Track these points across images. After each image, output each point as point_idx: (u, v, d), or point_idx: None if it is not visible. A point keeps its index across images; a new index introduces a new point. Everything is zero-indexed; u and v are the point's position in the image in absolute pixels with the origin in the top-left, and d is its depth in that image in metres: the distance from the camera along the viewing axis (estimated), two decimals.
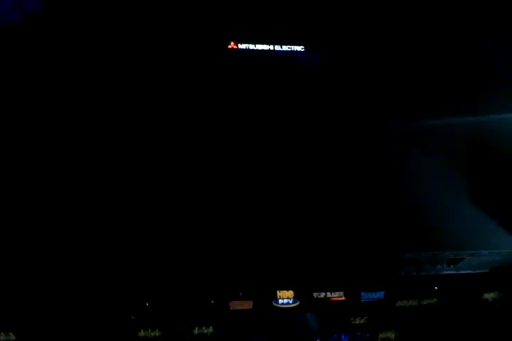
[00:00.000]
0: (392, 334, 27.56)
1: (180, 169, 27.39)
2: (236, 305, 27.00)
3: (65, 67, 26.85)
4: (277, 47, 28.49)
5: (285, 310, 27.31)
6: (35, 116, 26.50)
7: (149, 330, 26.40)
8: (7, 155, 25.93)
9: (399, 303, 28.10)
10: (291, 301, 27.48)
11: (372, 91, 29.55)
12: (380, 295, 28.19)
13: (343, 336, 27.56)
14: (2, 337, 24.95)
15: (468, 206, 29.13)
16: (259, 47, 28.26)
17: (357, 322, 27.96)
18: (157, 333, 26.45)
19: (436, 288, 28.41)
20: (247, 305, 27.08)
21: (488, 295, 28.04)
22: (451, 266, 28.63)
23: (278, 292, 27.42)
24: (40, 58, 26.64)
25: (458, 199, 29.12)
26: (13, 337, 24.94)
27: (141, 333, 26.32)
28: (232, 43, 28.15)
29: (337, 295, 27.91)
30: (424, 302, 28.20)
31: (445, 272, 28.68)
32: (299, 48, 28.68)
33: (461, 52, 30.20)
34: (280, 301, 27.39)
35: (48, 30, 26.64)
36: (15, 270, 24.94)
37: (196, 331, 26.66)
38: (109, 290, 25.79)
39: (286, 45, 28.46)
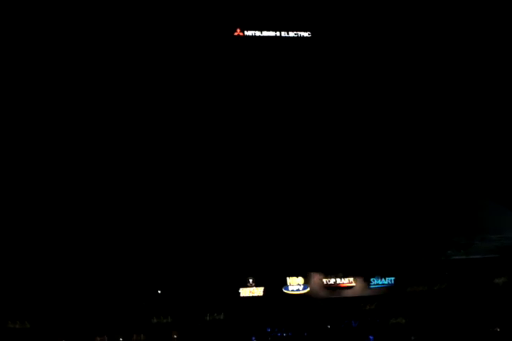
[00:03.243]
0: (402, 320, 27.58)
1: (191, 158, 27.58)
2: (247, 292, 27.22)
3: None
4: (284, 34, 28.23)
5: (295, 297, 27.53)
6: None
7: (161, 317, 26.72)
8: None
9: (409, 289, 28.07)
10: (301, 288, 27.61)
11: (377, 79, 29.31)
12: (390, 281, 28.21)
13: (353, 321, 27.67)
14: (17, 326, 25.39)
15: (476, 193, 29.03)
16: (265, 33, 27.97)
17: (367, 307, 28.02)
18: (169, 320, 26.81)
19: (446, 273, 28.32)
20: (258, 292, 27.31)
21: (499, 280, 27.89)
22: (462, 250, 28.53)
23: (288, 279, 27.58)
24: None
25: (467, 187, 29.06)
26: (27, 325, 25.45)
27: (154, 320, 26.69)
28: (238, 30, 27.93)
29: (347, 281, 27.96)
30: (435, 288, 28.14)
31: (455, 257, 28.57)
32: (305, 34, 28.37)
33: None
34: (290, 288, 27.54)
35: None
36: (32, 261, 25.39)
37: (208, 317, 26.96)
38: (122, 278, 26.11)
39: (292, 31, 28.16)
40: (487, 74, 29.31)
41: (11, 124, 26.52)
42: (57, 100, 27.07)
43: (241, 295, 27.14)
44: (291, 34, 28.30)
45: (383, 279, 28.18)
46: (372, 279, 28.15)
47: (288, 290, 27.52)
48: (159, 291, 26.91)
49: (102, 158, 27.33)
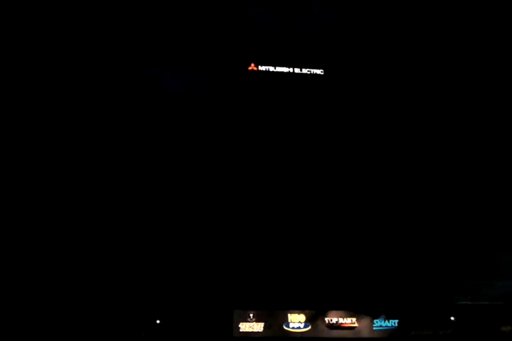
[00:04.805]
0: None
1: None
2: (246, 327, 26.77)
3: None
4: (297, 70, 28.98)
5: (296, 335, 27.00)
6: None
7: None
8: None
9: (413, 332, 27.42)
10: (302, 326, 27.11)
11: (390, 118, 29.74)
12: (394, 323, 27.62)
13: None
14: None
15: (486, 237, 28.68)
16: (279, 69, 28.72)
17: None
18: None
19: (452, 318, 27.69)
20: (258, 327, 26.86)
21: (506, 328, 27.15)
22: (469, 296, 27.97)
23: (289, 315, 27.14)
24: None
25: (474, 229, 28.78)
26: None
27: None
28: (252, 65, 28.72)
29: (349, 321, 27.42)
30: (440, 333, 27.45)
31: (462, 302, 27.99)
32: (318, 72, 29.08)
33: None
34: (291, 325, 27.05)
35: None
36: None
37: None
38: (119, 307, 25.91)
39: (305, 68, 28.88)
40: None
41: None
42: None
43: (240, 330, 26.69)
44: (304, 71, 29.06)
45: (387, 321, 27.63)
46: (375, 321, 27.60)
47: (289, 327, 27.04)
48: (158, 322, 26.62)
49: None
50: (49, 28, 26.55)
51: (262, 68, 28.64)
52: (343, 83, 29.33)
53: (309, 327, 27.17)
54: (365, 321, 27.53)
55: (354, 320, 27.47)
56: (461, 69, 29.53)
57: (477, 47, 29.42)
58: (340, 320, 27.43)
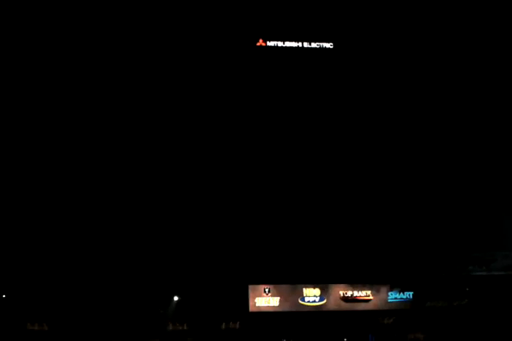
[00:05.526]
0: (420, 335, 27.11)
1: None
2: (262, 302, 27.09)
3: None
4: (306, 44, 28.39)
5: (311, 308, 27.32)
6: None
7: (177, 324, 26.77)
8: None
9: (428, 304, 27.60)
10: (317, 299, 27.37)
11: (398, 91, 29.17)
12: (409, 295, 27.79)
13: (370, 335, 27.27)
14: (36, 327, 25.73)
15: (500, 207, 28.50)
16: (288, 44, 28.18)
17: (385, 321, 27.63)
18: (185, 327, 26.84)
19: (467, 289, 27.79)
20: (274, 302, 27.16)
21: None
22: (484, 266, 27.98)
23: (304, 289, 27.39)
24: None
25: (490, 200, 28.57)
26: (45, 327, 25.79)
27: (170, 327, 26.77)
28: (260, 40, 28.21)
29: (364, 294, 27.62)
30: (455, 304, 27.62)
31: (477, 273, 28.02)
32: (328, 45, 28.49)
33: None
34: (306, 299, 27.33)
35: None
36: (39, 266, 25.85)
37: (223, 326, 26.91)
38: (138, 284, 26.33)
39: (314, 42, 28.30)
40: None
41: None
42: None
43: (256, 304, 27.03)
44: (314, 45, 28.46)
45: (402, 293, 27.80)
46: (390, 293, 27.77)
47: (304, 301, 27.33)
48: (175, 298, 27.02)
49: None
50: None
51: (271, 44, 28.13)
52: (353, 56, 28.72)
53: (324, 301, 27.45)
54: (380, 293, 27.73)
55: (369, 292, 27.67)
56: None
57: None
58: (355, 293, 27.66)
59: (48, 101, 27.22)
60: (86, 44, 27.02)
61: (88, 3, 26.63)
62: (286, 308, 27.13)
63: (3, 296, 25.91)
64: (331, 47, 28.52)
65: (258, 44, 28.12)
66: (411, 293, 27.75)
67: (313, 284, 27.40)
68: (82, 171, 27.25)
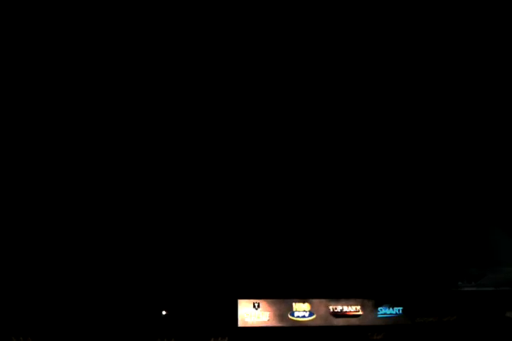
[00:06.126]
0: None
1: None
2: (251, 317, 26.92)
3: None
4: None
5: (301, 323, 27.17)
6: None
7: (165, 340, 26.51)
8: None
9: (418, 319, 27.53)
10: (307, 314, 27.24)
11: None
12: (398, 310, 27.73)
13: None
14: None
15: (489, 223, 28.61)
16: None
17: (374, 337, 27.50)
18: None
19: (456, 304, 27.75)
20: (264, 316, 26.99)
21: (511, 313, 27.22)
22: (473, 282, 27.99)
23: (294, 304, 27.26)
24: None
25: (478, 215, 28.67)
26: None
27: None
28: None
29: (354, 309, 27.53)
30: (444, 319, 27.57)
31: (466, 288, 28.01)
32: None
33: None
34: (296, 314, 27.18)
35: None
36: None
37: None
38: (125, 299, 26.12)
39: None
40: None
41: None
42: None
43: (245, 319, 26.86)
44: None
45: (391, 309, 27.74)
46: (379, 308, 27.71)
47: (294, 316, 27.18)
48: (164, 312, 26.83)
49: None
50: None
51: None
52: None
53: (314, 316, 27.33)
54: (370, 309, 27.68)
55: (358, 307, 27.62)
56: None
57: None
58: (345, 308, 27.60)
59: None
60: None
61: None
62: (276, 323, 27.04)
63: None
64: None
65: None
66: (400, 309, 27.71)
67: (302, 299, 27.33)
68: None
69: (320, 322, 27.27)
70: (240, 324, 26.84)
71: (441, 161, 29.13)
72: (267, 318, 27.03)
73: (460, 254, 28.24)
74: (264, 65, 27.32)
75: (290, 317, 27.17)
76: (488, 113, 28.31)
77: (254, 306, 27.05)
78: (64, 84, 26.71)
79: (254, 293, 27.12)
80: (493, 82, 27.93)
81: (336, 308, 27.48)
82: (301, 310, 27.31)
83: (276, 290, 27.16)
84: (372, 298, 27.63)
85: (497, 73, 27.66)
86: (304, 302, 27.36)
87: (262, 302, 27.11)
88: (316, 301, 27.45)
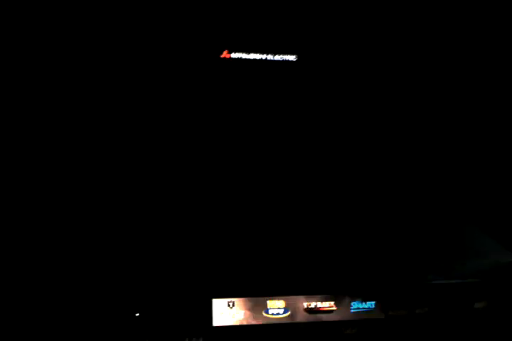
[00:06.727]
0: None
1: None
2: (226, 316, 26.75)
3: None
4: (270, 57, 28.40)
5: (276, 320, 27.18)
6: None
7: None
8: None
9: (390, 312, 27.99)
10: (281, 311, 27.30)
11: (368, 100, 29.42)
12: (371, 305, 28.11)
13: None
14: None
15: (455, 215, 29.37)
16: (252, 56, 28.11)
17: (348, 332, 27.80)
18: None
19: (427, 297, 28.35)
20: (239, 315, 26.87)
21: (479, 305, 28.04)
22: (442, 275, 28.66)
23: (268, 302, 27.27)
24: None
25: (448, 209, 29.37)
26: None
27: None
28: (224, 52, 28.05)
29: (327, 305, 27.75)
30: (416, 312, 28.12)
31: (436, 282, 28.64)
32: (291, 58, 28.62)
33: None
34: (270, 311, 27.20)
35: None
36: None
37: None
38: (97, 301, 25.56)
39: (279, 54, 28.37)
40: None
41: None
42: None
43: (220, 318, 26.69)
44: (277, 57, 28.51)
45: (364, 303, 28.09)
46: (352, 303, 28.00)
47: (268, 313, 27.19)
48: (137, 314, 26.40)
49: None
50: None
51: (235, 56, 28.00)
52: (317, 69, 28.87)
53: (288, 313, 27.40)
54: (343, 304, 27.95)
55: (332, 303, 27.84)
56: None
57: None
58: (319, 304, 27.78)
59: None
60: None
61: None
62: (251, 321, 26.96)
63: None
64: (295, 59, 28.71)
65: (222, 56, 27.99)
66: (373, 303, 28.08)
67: (277, 296, 27.36)
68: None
69: (295, 319, 27.35)
70: (215, 323, 26.65)
71: (416, 158, 29.73)
72: (242, 317, 26.93)
73: (429, 248, 28.82)
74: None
75: (265, 314, 27.16)
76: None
77: (228, 305, 26.91)
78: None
79: (228, 292, 26.97)
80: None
81: (310, 305, 27.61)
82: (276, 308, 27.33)
83: (251, 289, 27.08)
84: (346, 293, 27.90)
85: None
86: (278, 300, 27.40)
87: (237, 301, 27.00)
88: (290, 298, 27.50)
